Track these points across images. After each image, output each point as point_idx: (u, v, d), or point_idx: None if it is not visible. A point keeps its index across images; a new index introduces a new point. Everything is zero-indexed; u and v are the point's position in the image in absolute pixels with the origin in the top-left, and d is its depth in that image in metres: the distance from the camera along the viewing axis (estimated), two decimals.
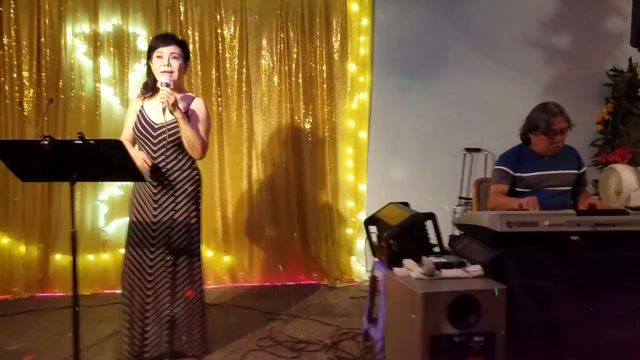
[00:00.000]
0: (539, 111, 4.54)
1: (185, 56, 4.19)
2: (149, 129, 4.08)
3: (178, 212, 4.12)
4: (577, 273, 3.60)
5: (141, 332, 4.10)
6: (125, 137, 4.22)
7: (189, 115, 4.12)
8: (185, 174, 4.14)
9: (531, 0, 6.87)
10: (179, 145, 4.09)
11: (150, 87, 4.19)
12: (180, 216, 4.12)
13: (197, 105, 4.21)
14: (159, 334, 4.12)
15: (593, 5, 6.97)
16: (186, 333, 4.19)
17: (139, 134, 4.10)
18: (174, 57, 4.08)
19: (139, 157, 4.01)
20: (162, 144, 4.05)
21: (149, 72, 4.19)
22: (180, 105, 4.03)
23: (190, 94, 4.33)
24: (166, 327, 4.13)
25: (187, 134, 4.01)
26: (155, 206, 4.09)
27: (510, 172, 4.53)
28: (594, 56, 7.00)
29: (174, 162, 4.10)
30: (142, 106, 4.17)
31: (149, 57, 4.16)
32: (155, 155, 4.08)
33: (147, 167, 4.01)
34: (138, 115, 4.14)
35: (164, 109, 3.97)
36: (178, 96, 4.05)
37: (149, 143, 4.09)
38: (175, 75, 4.07)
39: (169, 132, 4.03)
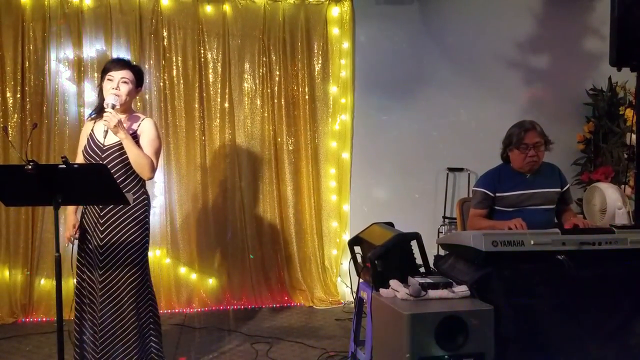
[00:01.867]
0: (513, 127, 4.63)
1: (137, 81, 4.18)
2: (96, 150, 4.06)
3: (125, 233, 4.06)
4: (563, 292, 3.62)
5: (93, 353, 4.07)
6: (78, 161, 4.20)
7: (137, 135, 4.10)
8: (134, 197, 4.10)
9: (510, 22, 6.95)
10: (126, 167, 4.05)
11: (100, 109, 4.16)
12: (127, 237, 4.06)
13: (146, 126, 4.17)
14: (111, 351, 4.06)
15: (570, 26, 7.06)
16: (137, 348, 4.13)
17: (87, 157, 4.08)
18: (124, 82, 4.07)
19: (70, 220, 4.17)
20: (109, 165, 3.98)
21: (101, 94, 4.17)
22: (126, 125, 4.03)
23: (140, 114, 4.30)
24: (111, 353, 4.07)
25: (133, 154, 3.98)
26: (102, 229, 4.04)
27: (489, 193, 4.57)
28: (573, 76, 7.07)
29: (122, 184, 4.04)
30: (92, 129, 4.15)
31: (102, 78, 4.15)
32: None
33: (69, 238, 4.15)
34: (88, 139, 4.13)
35: (106, 131, 3.98)
36: (123, 117, 4.06)
37: None
38: (123, 98, 4.05)
39: (116, 153, 4.02)
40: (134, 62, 4.51)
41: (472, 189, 4.74)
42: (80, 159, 4.19)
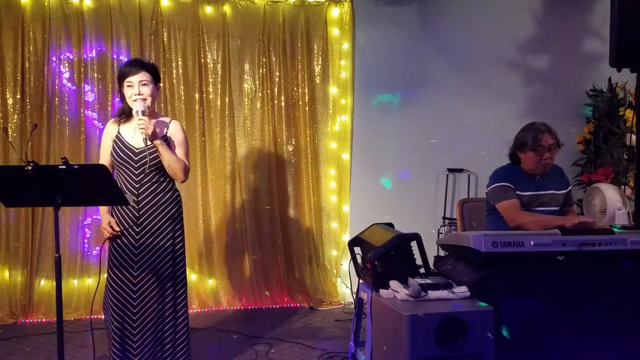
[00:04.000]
0: (526, 130, 4.60)
1: (155, 80, 4.16)
2: (129, 154, 4.06)
3: (161, 234, 4.09)
4: (563, 292, 3.62)
5: (132, 353, 4.07)
6: (103, 163, 4.17)
7: (167, 138, 4.12)
8: (167, 195, 4.13)
9: (509, 22, 6.95)
10: (159, 168, 4.08)
11: (125, 113, 4.16)
12: (165, 241, 4.10)
13: (174, 129, 4.20)
14: (147, 357, 4.09)
15: (570, 27, 7.06)
16: (171, 358, 4.17)
17: (119, 160, 4.07)
18: (144, 84, 4.05)
19: (105, 220, 4.08)
20: (142, 168, 4.02)
21: (123, 97, 4.15)
22: (157, 131, 4.04)
23: (164, 118, 4.31)
24: (152, 352, 4.10)
25: (167, 159, 4.01)
26: (137, 229, 4.06)
27: (512, 186, 4.52)
28: (573, 77, 7.07)
29: (156, 184, 4.08)
30: (118, 132, 4.13)
31: (120, 84, 4.13)
32: (137, 179, 4.05)
33: (109, 231, 4.05)
34: (115, 141, 4.11)
35: (145, 139, 3.97)
36: (153, 121, 4.04)
37: (130, 168, 4.06)
38: (149, 101, 4.05)
39: (150, 157, 4.03)
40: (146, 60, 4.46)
41: (492, 187, 4.54)
42: (105, 161, 4.16)
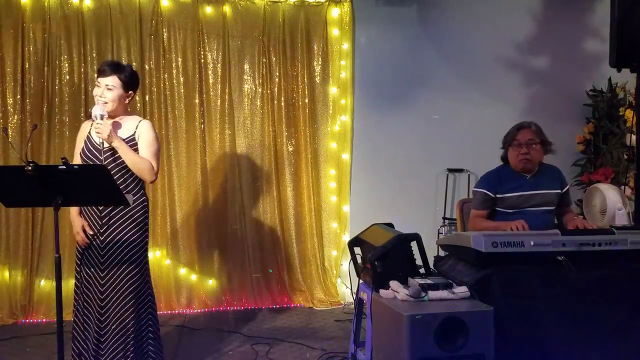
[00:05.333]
0: (511, 127, 4.63)
1: (127, 85, 4.11)
2: (95, 152, 4.04)
3: (126, 234, 4.06)
4: (563, 293, 3.62)
5: (95, 350, 4.05)
6: (77, 163, 4.13)
7: (135, 138, 4.09)
8: (133, 199, 4.09)
9: (509, 23, 6.95)
10: (126, 169, 4.04)
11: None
12: (128, 236, 4.06)
13: (143, 129, 4.15)
14: (112, 350, 4.06)
15: (570, 28, 7.06)
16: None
17: (86, 159, 4.06)
18: (109, 89, 4.03)
19: (78, 224, 4.07)
20: (109, 167, 3.94)
21: None
22: (123, 127, 4.05)
23: (136, 116, 4.25)
24: (115, 344, 4.06)
25: (129, 160, 3.99)
26: (102, 229, 4.03)
27: (490, 194, 4.56)
28: (573, 77, 7.07)
29: (122, 185, 4.03)
30: (89, 131, 4.13)
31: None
32: None
33: (82, 237, 4.04)
34: (86, 141, 4.11)
35: (101, 142, 3.97)
36: (111, 121, 4.04)
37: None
38: (110, 106, 4.03)
39: (115, 156, 4.01)
40: (132, 64, 4.44)
41: (473, 190, 4.73)
42: (77, 162, 4.15)
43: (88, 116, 4.21)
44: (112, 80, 4.05)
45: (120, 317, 4.04)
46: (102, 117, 3.92)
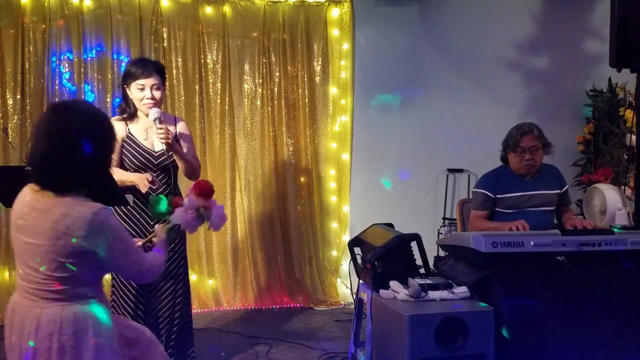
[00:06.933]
0: (513, 129, 4.63)
1: (164, 81, 4.08)
2: (149, 157, 3.98)
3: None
4: (563, 293, 3.63)
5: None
6: (116, 165, 3.98)
7: (178, 139, 4.08)
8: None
9: (509, 23, 6.95)
10: (175, 169, 4.04)
11: (131, 113, 4.03)
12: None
13: (183, 128, 4.17)
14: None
15: (570, 28, 7.05)
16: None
17: (138, 164, 3.96)
18: (157, 88, 3.95)
19: (141, 177, 3.87)
20: (163, 170, 3.97)
21: (126, 96, 4.03)
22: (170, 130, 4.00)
23: (167, 114, 4.25)
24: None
25: (188, 161, 4.00)
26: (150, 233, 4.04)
27: (489, 194, 4.56)
28: (573, 77, 7.07)
29: (171, 187, 4.04)
30: (129, 132, 4.01)
31: (126, 83, 3.98)
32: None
33: (146, 184, 3.83)
34: (128, 142, 3.99)
35: (166, 149, 3.89)
36: (171, 130, 4.00)
37: (149, 172, 3.97)
38: (160, 105, 3.99)
39: (171, 159, 3.95)
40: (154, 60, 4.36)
41: (472, 191, 4.73)
42: (116, 162, 3.96)
43: (129, 115, 4.05)
44: (157, 79, 3.96)
45: (175, 322, 4.17)
46: (160, 121, 3.84)
